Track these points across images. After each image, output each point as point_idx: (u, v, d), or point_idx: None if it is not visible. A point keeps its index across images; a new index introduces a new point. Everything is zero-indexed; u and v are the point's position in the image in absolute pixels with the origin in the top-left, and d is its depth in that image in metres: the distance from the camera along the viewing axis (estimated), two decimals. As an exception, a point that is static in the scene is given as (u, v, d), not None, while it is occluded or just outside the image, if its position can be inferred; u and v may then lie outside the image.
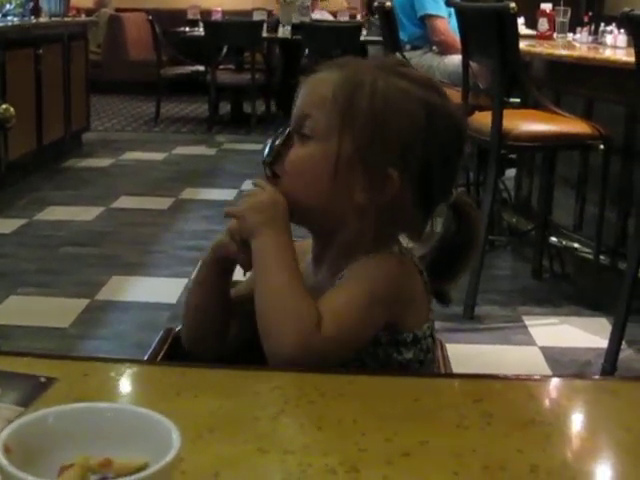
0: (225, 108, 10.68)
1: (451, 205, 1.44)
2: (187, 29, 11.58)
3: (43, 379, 1.11)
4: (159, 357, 1.49)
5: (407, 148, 1.37)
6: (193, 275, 1.51)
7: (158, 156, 8.29)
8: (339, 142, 1.35)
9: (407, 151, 1.37)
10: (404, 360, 1.36)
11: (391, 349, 1.36)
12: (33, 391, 1.08)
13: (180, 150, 8.64)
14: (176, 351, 1.52)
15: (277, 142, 1.42)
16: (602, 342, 3.71)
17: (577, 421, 1.14)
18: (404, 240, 1.45)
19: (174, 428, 0.84)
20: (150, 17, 10.57)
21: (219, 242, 1.46)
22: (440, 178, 1.41)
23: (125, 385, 1.18)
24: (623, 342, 3.62)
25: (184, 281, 4.63)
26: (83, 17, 9.90)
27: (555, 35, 5.46)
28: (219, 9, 11.78)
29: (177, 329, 1.59)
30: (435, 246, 1.46)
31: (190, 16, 12.48)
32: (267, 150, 1.43)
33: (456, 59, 5.25)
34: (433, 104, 1.39)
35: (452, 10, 5.11)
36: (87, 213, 6.02)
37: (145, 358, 1.47)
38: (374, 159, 1.36)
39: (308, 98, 1.40)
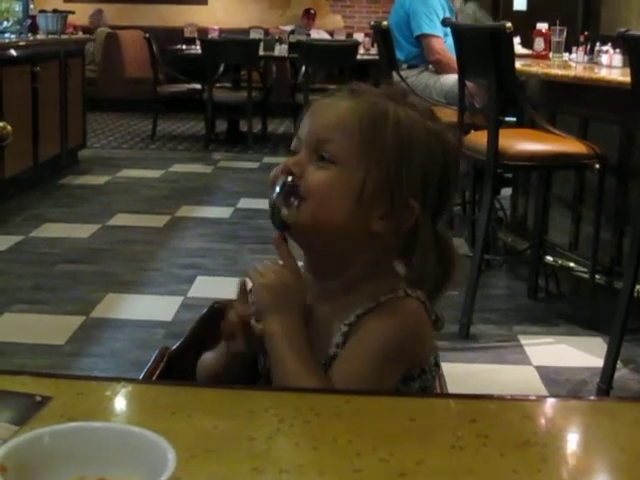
0: (222, 126, 10.70)
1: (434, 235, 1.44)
2: (184, 47, 11.62)
3: (38, 398, 1.11)
4: (154, 376, 1.49)
5: (427, 178, 1.39)
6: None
7: (154, 174, 8.30)
8: (365, 170, 1.36)
9: (427, 181, 1.39)
10: (410, 390, 1.37)
11: (398, 384, 1.37)
12: (28, 410, 1.08)
13: (176, 168, 8.65)
14: (171, 370, 1.52)
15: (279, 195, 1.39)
16: (598, 361, 3.71)
17: (572, 442, 1.14)
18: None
19: (169, 448, 0.84)
20: (147, 35, 10.59)
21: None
22: (447, 207, 1.45)
23: (120, 404, 1.18)
24: (619, 361, 3.61)
25: (180, 299, 4.63)
26: (80, 35, 9.92)
27: (551, 55, 5.47)
28: (216, 27, 11.82)
29: (172, 348, 1.59)
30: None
31: (187, 34, 12.53)
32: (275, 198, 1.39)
33: (452, 78, 5.27)
34: (441, 134, 1.42)
35: (448, 29, 5.13)
36: (83, 230, 6.02)
37: (140, 377, 1.46)
38: (398, 189, 1.37)
39: (327, 122, 1.39)
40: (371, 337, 1.35)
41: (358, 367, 1.33)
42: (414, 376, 1.38)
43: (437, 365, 1.44)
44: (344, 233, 1.38)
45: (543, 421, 1.19)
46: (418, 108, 1.44)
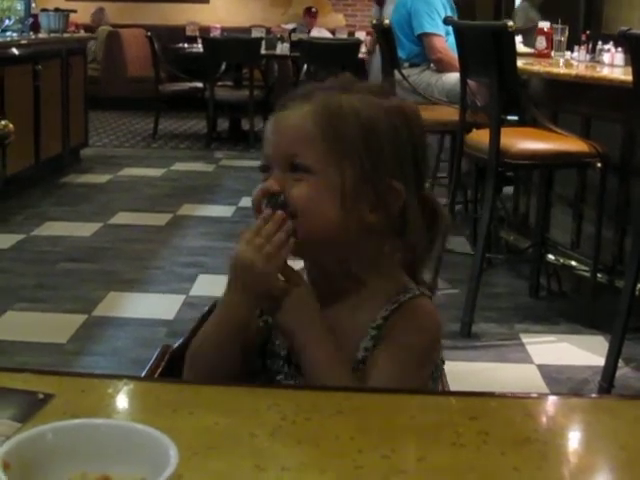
0: (223, 124, 10.70)
1: (421, 202, 1.45)
2: (186, 45, 11.63)
3: (41, 395, 1.11)
4: (156, 374, 1.49)
5: (400, 155, 1.40)
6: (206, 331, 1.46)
7: (156, 172, 8.30)
8: (340, 170, 1.37)
9: (401, 158, 1.40)
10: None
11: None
12: (30, 407, 1.08)
13: (178, 166, 8.65)
14: (173, 368, 1.52)
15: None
16: (599, 360, 3.71)
17: (573, 439, 1.14)
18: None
19: (172, 444, 0.84)
20: (149, 33, 10.58)
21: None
22: (425, 171, 1.47)
23: (122, 402, 1.18)
24: (620, 360, 3.61)
25: (182, 297, 4.63)
26: (82, 33, 9.93)
27: (553, 53, 5.47)
28: (218, 26, 11.84)
29: (175, 346, 1.59)
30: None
31: (189, 33, 12.55)
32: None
33: (454, 77, 5.27)
34: (402, 107, 1.44)
35: (450, 28, 5.13)
36: (85, 229, 6.03)
37: (142, 375, 1.47)
38: (377, 176, 1.38)
39: (289, 136, 1.39)
40: (403, 344, 1.37)
41: (400, 373, 1.35)
42: (434, 376, 1.42)
43: (442, 361, 1.47)
44: (340, 236, 1.38)
45: (544, 418, 1.19)
46: (370, 90, 1.45)
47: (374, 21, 6.49)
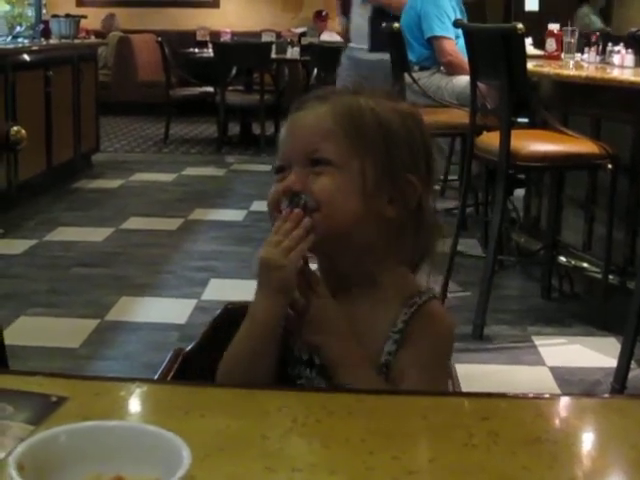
0: (234, 129, 10.71)
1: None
2: (196, 50, 11.66)
3: (54, 398, 1.12)
4: (168, 377, 1.50)
5: (413, 152, 1.44)
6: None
7: (167, 177, 8.32)
8: (361, 164, 1.39)
9: (414, 155, 1.45)
10: None
11: None
12: (44, 410, 1.09)
13: (189, 171, 8.67)
14: (185, 371, 1.53)
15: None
16: (611, 361, 3.71)
17: (583, 439, 1.15)
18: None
19: (184, 446, 0.85)
20: (159, 39, 10.61)
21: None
22: (434, 178, 1.51)
23: (135, 404, 1.19)
24: (632, 361, 3.61)
25: (193, 302, 4.64)
26: (93, 39, 9.96)
27: (563, 55, 5.47)
28: (228, 30, 11.86)
29: (187, 349, 1.60)
30: None
31: (199, 37, 12.57)
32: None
33: (464, 80, 5.27)
34: (409, 111, 1.49)
35: (460, 31, 5.13)
36: (97, 234, 6.04)
37: (155, 378, 1.47)
38: (394, 170, 1.42)
39: (309, 133, 1.42)
40: (426, 351, 1.39)
41: (428, 379, 1.37)
42: None
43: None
44: (361, 229, 1.40)
45: (554, 419, 1.20)
46: (382, 94, 1.49)
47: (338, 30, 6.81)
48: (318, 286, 1.40)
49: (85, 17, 9.65)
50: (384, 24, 6.18)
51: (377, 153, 1.41)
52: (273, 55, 10.23)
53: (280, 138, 1.47)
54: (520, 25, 4.11)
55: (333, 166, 1.39)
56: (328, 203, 1.38)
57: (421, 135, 1.47)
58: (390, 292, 1.43)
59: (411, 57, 5.88)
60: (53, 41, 8.22)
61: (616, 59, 4.98)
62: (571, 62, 5.23)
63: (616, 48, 5.07)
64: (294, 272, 1.36)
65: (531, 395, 1.29)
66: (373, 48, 6.94)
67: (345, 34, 7.70)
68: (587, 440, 1.14)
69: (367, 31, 7.03)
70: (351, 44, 7.30)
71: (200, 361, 1.59)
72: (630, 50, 4.84)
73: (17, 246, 5.68)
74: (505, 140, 4.11)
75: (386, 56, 6.08)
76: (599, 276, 4.45)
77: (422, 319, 1.40)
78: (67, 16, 8.77)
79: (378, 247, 1.43)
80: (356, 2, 7.20)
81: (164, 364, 1.53)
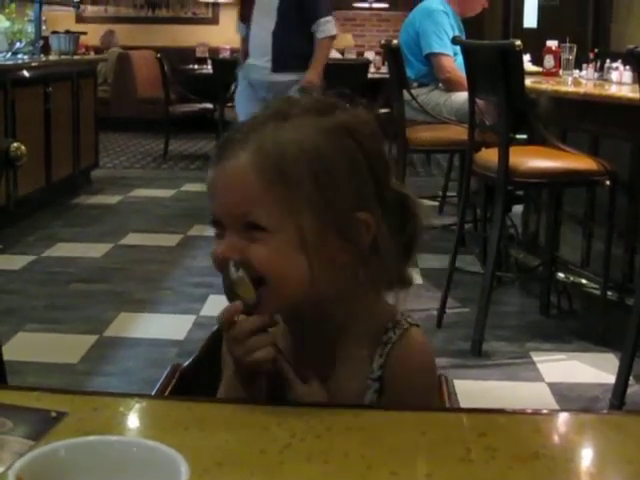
0: (234, 145, 10.69)
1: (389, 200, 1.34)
2: (196, 67, 11.69)
3: (53, 413, 1.12)
4: (166, 392, 1.50)
5: (358, 182, 1.29)
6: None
7: (166, 193, 8.32)
8: (296, 223, 1.25)
9: (359, 185, 1.29)
10: None
11: None
12: (43, 425, 1.09)
13: (188, 187, 8.67)
14: (183, 386, 1.53)
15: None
16: (610, 378, 3.71)
17: (580, 455, 1.15)
18: None
19: (183, 461, 0.85)
20: (159, 55, 10.63)
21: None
22: (387, 182, 1.35)
23: (134, 419, 1.19)
24: (631, 378, 3.61)
25: (192, 318, 4.64)
26: (92, 55, 9.98)
27: (561, 72, 5.48)
28: (227, 47, 11.89)
29: (184, 365, 1.60)
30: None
31: (199, 54, 12.61)
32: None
33: (462, 96, 5.28)
34: (347, 123, 1.30)
35: (458, 48, 5.14)
36: (96, 250, 6.05)
37: (153, 393, 1.48)
38: (337, 216, 1.27)
39: (234, 195, 1.28)
40: (412, 392, 1.33)
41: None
42: None
43: None
44: (315, 288, 1.28)
45: (552, 434, 1.20)
46: (310, 109, 1.31)
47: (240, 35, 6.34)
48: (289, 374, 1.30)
49: (85, 33, 9.68)
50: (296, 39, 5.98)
51: (311, 202, 1.25)
52: (272, 71, 10.24)
53: (208, 188, 1.36)
54: (518, 42, 4.13)
55: (267, 231, 1.24)
56: (271, 274, 1.25)
57: (360, 148, 1.28)
58: (361, 335, 1.34)
59: (410, 74, 5.89)
60: (53, 57, 8.24)
61: (614, 76, 5.00)
62: (569, 79, 5.24)
63: (614, 65, 5.09)
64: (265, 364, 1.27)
65: (529, 411, 1.29)
66: (277, 68, 6.10)
67: (242, 47, 6.45)
68: (585, 456, 1.14)
69: (270, 46, 6.11)
70: (250, 61, 6.26)
71: (198, 377, 1.59)
72: (628, 67, 4.86)
73: (16, 262, 5.68)
74: (503, 156, 4.12)
75: (292, 77, 5.93)
76: (597, 292, 4.45)
77: (400, 359, 1.32)
78: (67, 32, 8.80)
79: (342, 292, 1.33)
80: (259, 8, 6.14)
81: (162, 380, 1.54)
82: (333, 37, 6.20)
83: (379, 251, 1.30)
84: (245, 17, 6.30)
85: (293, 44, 6.09)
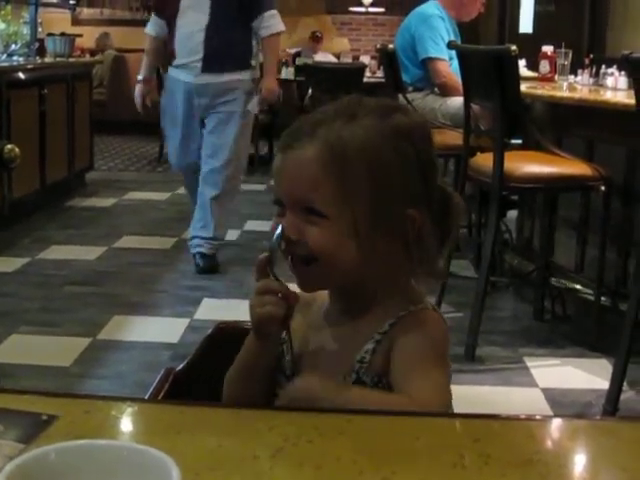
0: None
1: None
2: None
3: (44, 417, 1.12)
4: (159, 396, 1.50)
5: (408, 181, 1.40)
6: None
7: (161, 196, 8.32)
8: (352, 213, 1.37)
9: (410, 183, 1.40)
10: None
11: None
12: (34, 429, 1.09)
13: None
14: (176, 390, 1.53)
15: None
16: (603, 383, 3.71)
17: (574, 461, 1.14)
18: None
19: (174, 466, 0.84)
20: (154, 58, 10.59)
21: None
22: (436, 182, 1.46)
23: (126, 423, 1.19)
24: (624, 383, 3.61)
25: (186, 321, 4.64)
26: (87, 57, 9.97)
27: (556, 77, 5.49)
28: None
29: (178, 368, 1.59)
30: None
31: (194, 57, 12.54)
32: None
33: (458, 101, 5.28)
34: (406, 126, 1.42)
35: (454, 53, 5.15)
36: (90, 252, 6.04)
37: (146, 397, 1.47)
38: (389, 210, 1.40)
39: (299, 183, 1.39)
40: (412, 348, 1.37)
41: (421, 372, 1.34)
42: None
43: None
44: (358, 269, 1.40)
45: (545, 440, 1.20)
46: (375, 110, 1.43)
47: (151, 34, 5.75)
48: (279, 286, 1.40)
49: (80, 36, 9.69)
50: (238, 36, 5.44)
51: (366, 197, 1.38)
52: (268, 75, 10.22)
53: (273, 169, 1.46)
54: (514, 47, 4.13)
55: (323, 217, 1.37)
56: (324, 255, 1.38)
57: (415, 152, 1.40)
58: (390, 307, 1.42)
59: (405, 78, 5.90)
60: (48, 59, 8.24)
61: (609, 81, 5.00)
62: (564, 84, 5.25)
63: (609, 70, 5.09)
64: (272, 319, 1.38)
65: (523, 416, 1.29)
66: (210, 67, 5.50)
67: (166, 46, 5.78)
68: (578, 462, 1.14)
69: (201, 44, 5.47)
70: (177, 61, 5.61)
71: (191, 380, 1.58)
72: (623, 73, 4.86)
73: (10, 264, 5.67)
74: (498, 161, 4.12)
75: (229, 78, 5.53)
76: (591, 298, 4.45)
77: (410, 322, 1.39)
78: (62, 35, 8.80)
79: (380, 275, 1.43)
80: (188, 0, 5.47)
81: (155, 383, 1.53)
82: (280, 34, 5.65)
83: (422, 245, 1.41)
84: (164, 12, 5.65)
85: (230, 42, 5.48)
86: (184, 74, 5.57)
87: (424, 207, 1.41)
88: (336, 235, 1.37)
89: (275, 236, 1.40)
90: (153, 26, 5.81)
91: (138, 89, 5.97)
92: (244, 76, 5.57)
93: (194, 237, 5.70)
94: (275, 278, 1.39)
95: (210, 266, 5.57)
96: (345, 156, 1.37)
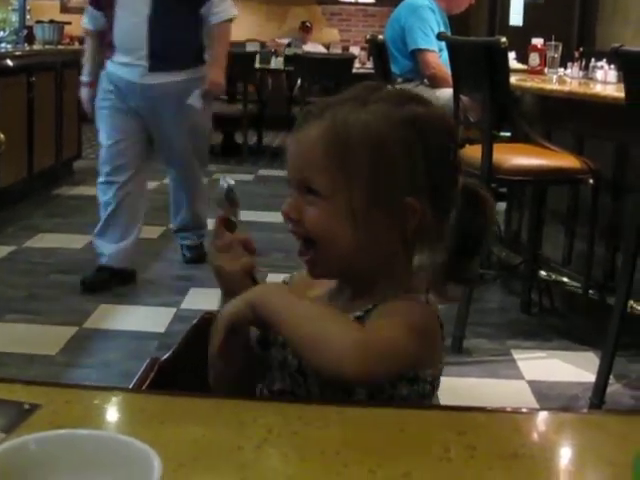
0: (217, 138, 10.67)
1: (462, 192, 1.43)
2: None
3: (27, 406, 1.11)
4: (144, 386, 1.49)
5: (412, 170, 1.39)
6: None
7: (149, 185, 8.27)
8: (349, 195, 1.37)
9: (413, 173, 1.39)
10: (395, 394, 1.35)
11: (387, 384, 1.35)
12: (16, 417, 1.08)
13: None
14: (161, 380, 1.52)
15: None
16: (590, 376, 3.71)
17: (560, 454, 1.14)
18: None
19: (156, 456, 0.83)
20: (143, 46, 10.56)
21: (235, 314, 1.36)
22: (446, 178, 1.43)
23: (109, 413, 1.18)
24: (611, 377, 3.62)
25: (173, 310, 4.63)
26: (76, 45, 9.93)
27: (546, 70, 5.48)
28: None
29: (163, 358, 1.58)
30: (453, 235, 1.43)
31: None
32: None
33: (447, 92, 5.27)
34: (417, 117, 1.41)
35: (443, 44, 5.14)
36: (77, 241, 6.02)
37: (130, 386, 1.46)
38: (387, 197, 1.39)
39: (301, 161, 1.41)
40: (396, 310, 1.35)
41: (389, 330, 1.31)
42: (405, 378, 1.35)
43: (432, 386, 1.40)
44: (355, 254, 1.40)
45: (531, 433, 1.19)
46: (388, 98, 1.43)
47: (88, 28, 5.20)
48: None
49: (69, 23, 9.62)
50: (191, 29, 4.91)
51: (365, 181, 1.37)
52: (257, 65, 10.22)
53: (287, 152, 1.46)
54: (504, 39, 4.13)
55: (322, 198, 1.38)
56: (319, 237, 1.39)
57: (423, 146, 1.39)
58: (388, 295, 1.40)
59: (395, 69, 5.88)
60: (37, 47, 8.19)
61: (599, 75, 5.00)
62: (554, 77, 5.24)
63: (599, 64, 5.09)
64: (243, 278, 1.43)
65: (509, 409, 1.29)
66: (157, 66, 4.86)
67: (99, 40, 5.17)
68: (565, 455, 1.14)
69: (145, 37, 4.81)
70: (116, 58, 4.92)
71: (176, 370, 1.58)
72: (613, 66, 4.86)
73: (-4, 252, 5.65)
74: (487, 153, 4.12)
75: (179, 77, 4.97)
76: (579, 291, 4.46)
77: (397, 299, 1.38)
78: (51, 22, 8.75)
79: (381, 266, 1.43)
80: None
81: (139, 373, 1.52)
82: (232, 20, 5.10)
83: (424, 237, 1.42)
84: (99, 1, 4.99)
85: (177, 32, 4.89)
86: (125, 73, 4.91)
87: (426, 199, 1.39)
88: (332, 216, 1.38)
89: (218, 188, 1.46)
90: (90, 19, 5.18)
91: (85, 93, 5.23)
92: (196, 74, 5.03)
93: (177, 230, 5.71)
94: (235, 219, 1.44)
95: (197, 256, 5.55)
96: (348, 139, 1.38)
